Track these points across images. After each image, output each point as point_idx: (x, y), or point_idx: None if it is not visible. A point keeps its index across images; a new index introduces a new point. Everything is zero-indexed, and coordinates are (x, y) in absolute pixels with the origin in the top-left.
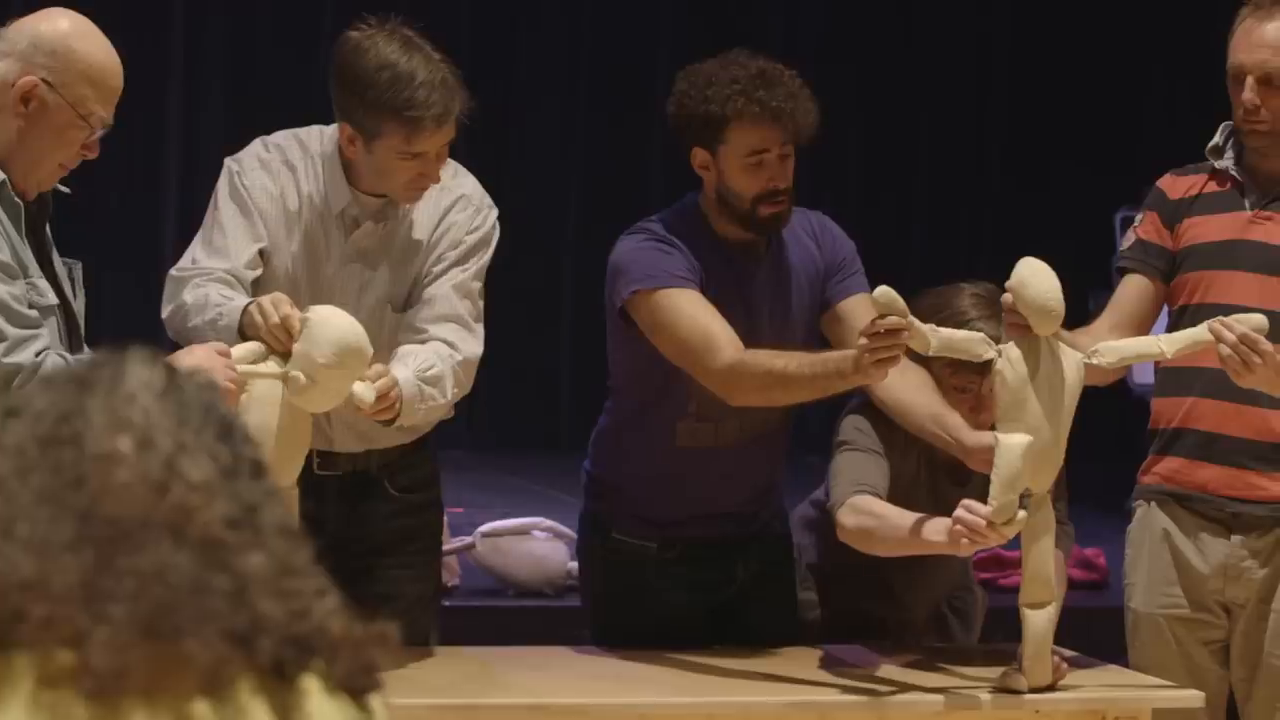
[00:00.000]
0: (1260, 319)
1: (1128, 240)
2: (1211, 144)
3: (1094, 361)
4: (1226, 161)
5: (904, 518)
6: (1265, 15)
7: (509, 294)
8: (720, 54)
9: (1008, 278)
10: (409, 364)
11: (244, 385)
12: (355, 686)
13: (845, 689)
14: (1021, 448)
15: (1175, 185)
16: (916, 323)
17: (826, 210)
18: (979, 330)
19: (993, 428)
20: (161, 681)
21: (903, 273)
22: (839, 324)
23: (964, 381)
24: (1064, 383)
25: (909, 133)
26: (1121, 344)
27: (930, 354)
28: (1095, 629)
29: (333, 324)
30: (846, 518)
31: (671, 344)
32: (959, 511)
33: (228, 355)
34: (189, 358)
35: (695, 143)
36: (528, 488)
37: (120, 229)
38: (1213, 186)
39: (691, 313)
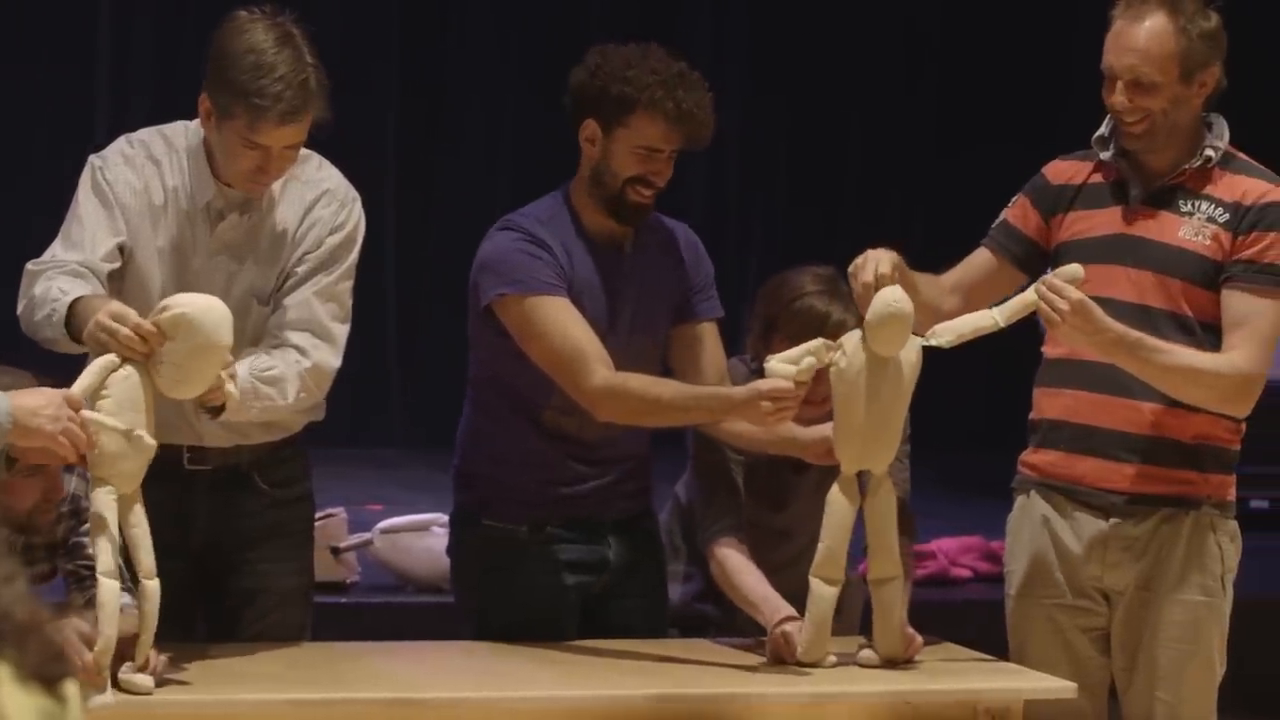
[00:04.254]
0: (1074, 267)
1: (998, 219)
2: (1097, 135)
3: (931, 343)
4: (1111, 154)
5: (750, 588)
6: (1134, 17)
7: (438, 293)
8: (636, 44)
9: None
10: (247, 361)
11: (93, 440)
12: (47, 675)
13: (715, 680)
14: (833, 597)
15: (1060, 172)
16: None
17: (758, 200)
18: (811, 304)
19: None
20: None
21: (829, 260)
22: (685, 344)
23: None
24: (900, 368)
25: (839, 120)
26: (956, 322)
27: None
28: (1004, 621)
29: (215, 307)
30: (713, 564)
31: (542, 354)
32: (775, 637)
33: (79, 405)
34: (32, 399)
35: (592, 115)
36: None
37: (49, 234)
38: (1097, 179)
39: (563, 326)
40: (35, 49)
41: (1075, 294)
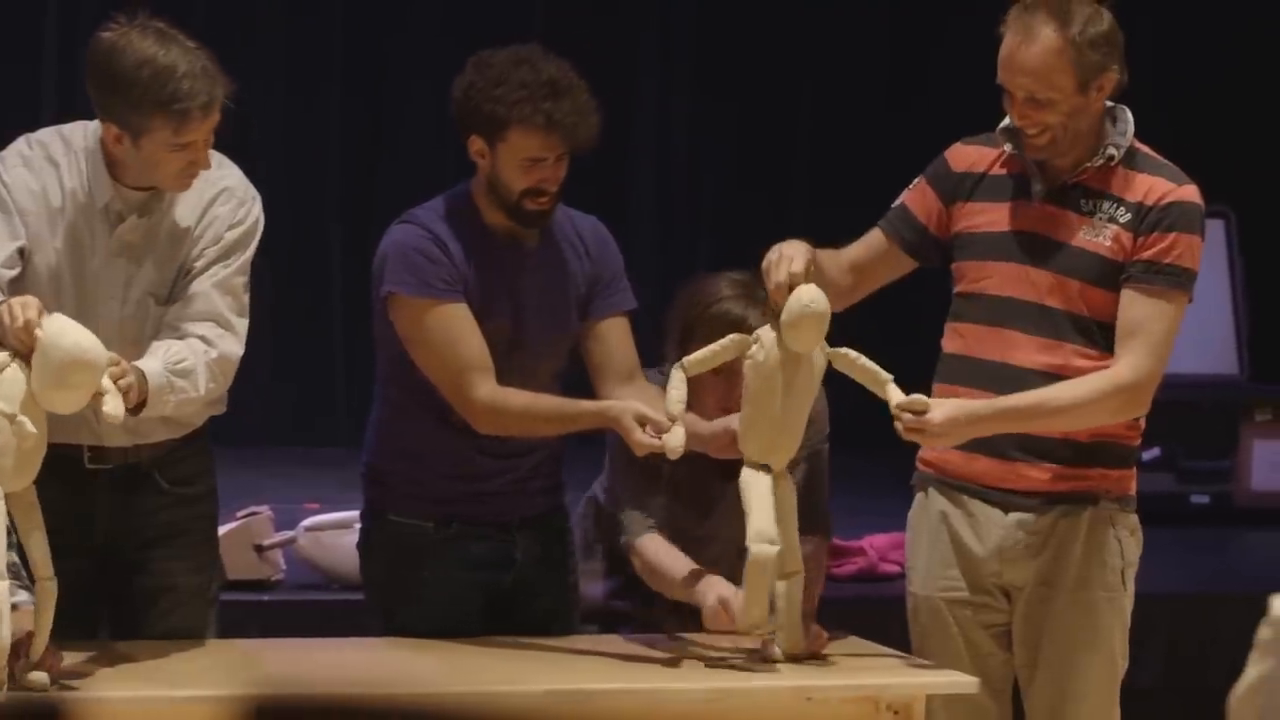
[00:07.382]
0: (918, 399)
1: (896, 201)
2: (1004, 125)
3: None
4: (1015, 149)
5: (681, 569)
6: (1024, 34)
7: None
8: (515, 48)
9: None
10: (159, 355)
11: None
12: None
13: (616, 675)
14: (767, 558)
15: (963, 158)
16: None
17: (706, 196)
18: (728, 309)
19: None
20: None
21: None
22: (595, 341)
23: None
24: (812, 365)
25: (788, 109)
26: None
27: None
28: None
29: (66, 338)
30: (636, 559)
31: (426, 362)
32: (712, 605)
33: None
34: None
35: (475, 131)
36: None
37: None
38: (1000, 170)
39: (452, 335)
40: None
41: (937, 417)
